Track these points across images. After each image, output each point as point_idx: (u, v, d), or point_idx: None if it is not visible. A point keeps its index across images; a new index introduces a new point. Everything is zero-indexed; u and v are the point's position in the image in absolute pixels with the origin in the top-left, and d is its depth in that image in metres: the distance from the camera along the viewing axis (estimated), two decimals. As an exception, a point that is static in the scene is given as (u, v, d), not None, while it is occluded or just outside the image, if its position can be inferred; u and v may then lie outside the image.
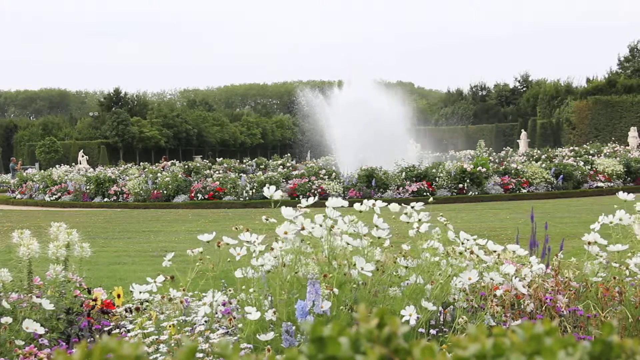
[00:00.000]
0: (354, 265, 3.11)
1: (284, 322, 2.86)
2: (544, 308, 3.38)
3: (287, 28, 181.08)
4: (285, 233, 3.08)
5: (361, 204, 3.37)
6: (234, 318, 3.29)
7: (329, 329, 0.69)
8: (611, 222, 3.51)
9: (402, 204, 3.53)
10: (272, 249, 3.13)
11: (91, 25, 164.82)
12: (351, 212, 3.33)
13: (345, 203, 3.21)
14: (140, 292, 3.42)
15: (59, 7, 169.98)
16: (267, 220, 3.23)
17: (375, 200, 3.44)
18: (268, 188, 3.25)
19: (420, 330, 3.06)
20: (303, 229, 3.09)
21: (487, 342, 0.69)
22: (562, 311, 3.32)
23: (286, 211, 3.15)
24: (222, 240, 3.22)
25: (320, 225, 3.16)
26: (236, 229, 3.35)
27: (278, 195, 3.20)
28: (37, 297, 3.49)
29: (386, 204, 3.42)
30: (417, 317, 2.97)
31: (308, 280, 2.86)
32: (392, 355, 0.69)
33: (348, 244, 3.20)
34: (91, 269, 7.62)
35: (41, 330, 3.19)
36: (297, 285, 3.09)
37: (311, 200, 3.16)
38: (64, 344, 3.47)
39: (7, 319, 3.17)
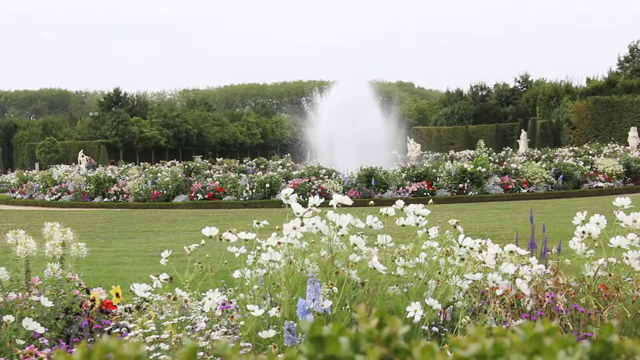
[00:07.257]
0: (352, 266, 3.12)
1: (286, 320, 2.86)
2: (543, 307, 3.38)
3: (287, 28, 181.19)
4: (296, 238, 3.11)
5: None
6: (233, 317, 3.29)
7: (328, 329, 0.69)
8: (599, 225, 3.57)
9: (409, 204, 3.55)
10: (279, 243, 3.16)
11: (91, 25, 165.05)
12: (354, 212, 3.34)
13: (350, 201, 3.26)
14: (144, 291, 3.42)
15: (59, 8, 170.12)
16: (258, 224, 3.29)
17: (376, 200, 3.46)
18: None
19: (423, 327, 3.06)
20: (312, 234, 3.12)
21: (487, 342, 0.69)
22: (562, 310, 3.32)
23: (296, 209, 3.18)
24: (221, 234, 3.25)
25: (338, 228, 3.19)
26: (230, 231, 3.36)
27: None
28: (35, 295, 3.48)
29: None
30: (422, 315, 2.98)
31: (308, 278, 2.86)
32: (392, 355, 0.69)
33: (355, 244, 3.21)
34: (91, 269, 7.61)
35: (41, 330, 3.18)
36: (299, 284, 3.10)
37: (318, 199, 3.23)
38: (64, 343, 3.47)
39: (9, 317, 3.17)
